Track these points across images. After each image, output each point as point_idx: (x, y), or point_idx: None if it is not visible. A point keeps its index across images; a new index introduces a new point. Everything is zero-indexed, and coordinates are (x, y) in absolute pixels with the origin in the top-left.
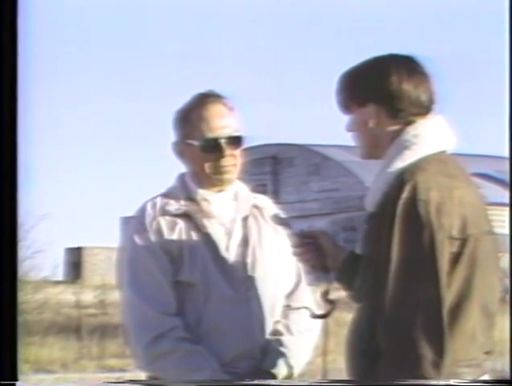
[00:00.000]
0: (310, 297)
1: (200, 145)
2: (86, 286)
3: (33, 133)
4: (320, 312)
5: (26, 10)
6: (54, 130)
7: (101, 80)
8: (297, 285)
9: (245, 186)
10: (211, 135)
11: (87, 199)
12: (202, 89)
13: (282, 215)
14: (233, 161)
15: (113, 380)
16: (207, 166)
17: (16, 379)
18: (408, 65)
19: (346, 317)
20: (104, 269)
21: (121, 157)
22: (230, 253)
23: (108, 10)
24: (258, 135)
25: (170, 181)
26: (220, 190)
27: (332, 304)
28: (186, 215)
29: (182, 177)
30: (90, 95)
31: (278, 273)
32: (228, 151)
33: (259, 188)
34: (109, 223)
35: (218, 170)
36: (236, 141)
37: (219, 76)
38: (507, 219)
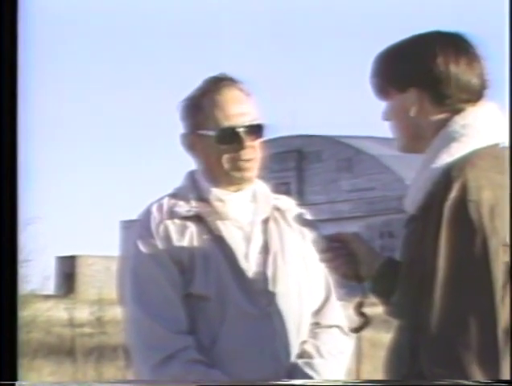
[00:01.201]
0: (341, 314)
1: (215, 136)
2: (81, 301)
3: (28, 133)
4: (352, 326)
5: (27, 10)
6: (49, 130)
7: (101, 81)
8: (326, 300)
9: (265, 185)
10: (228, 124)
11: (82, 201)
12: (213, 74)
13: (308, 216)
14: (254, 154)
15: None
16: (224, 160)
17: (16, 379)
18: (457, 44)
19: (383, 337)
20: (101, 281)
21: (121, 156)
22: (249, 262)
23: (108, 10)
24: (279, 125)
25: (177, 181)
26: (236, 190)
27: (366, 318)
28: (198, 218)
29: (192, 174)
30: (90, 95)
31: (304, 286)
32: (248, 142)
33: (281, 187)
34: (107, 228)
35: (237, 165)
36: (256, 130)
37: (231, 59)
38: None
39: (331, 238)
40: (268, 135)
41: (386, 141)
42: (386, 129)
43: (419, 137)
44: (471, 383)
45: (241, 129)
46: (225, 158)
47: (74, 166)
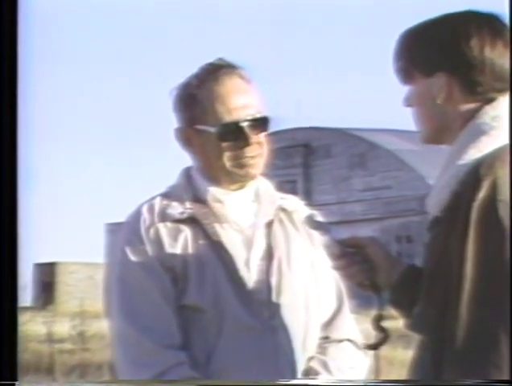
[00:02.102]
0: (354, 327)
1: (216, 133)
2: (61, 314)
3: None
4: (369, 342)
5: (27, 10)
6: (36, 131)
7: (100, 82)
8: (338, 311)
9: (269, 183)
10: (230, 118)
11: (63, 201)
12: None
13: (319, 217)
14: (259, 150)
15: None
16: (226, 158)
17: (16, 379)
18: (493, 25)
19: (402, 354)
20: (84, 292)
21: (109, 153)
22: (250, 270)
23: (108, 10)
24: (283, 116)
25: (170, 180)
26: (237, 188)
27: (385, 333)
28: (193, 221)
29: (187, 172)
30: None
31: (313, 296)
32: (253, 138)
33: (286, 186)
34: (91, 232)
35: (242, 163)
36: (261, 123)
37: (230, 43)
38: None
39: (345, 242)
40: (272, 128)
41: (405, 134)
42: (404, 121)
43: (444, 128)
44: (471, 383)
45: (245, 124)
46: (228, 155)
47: (55, 164)
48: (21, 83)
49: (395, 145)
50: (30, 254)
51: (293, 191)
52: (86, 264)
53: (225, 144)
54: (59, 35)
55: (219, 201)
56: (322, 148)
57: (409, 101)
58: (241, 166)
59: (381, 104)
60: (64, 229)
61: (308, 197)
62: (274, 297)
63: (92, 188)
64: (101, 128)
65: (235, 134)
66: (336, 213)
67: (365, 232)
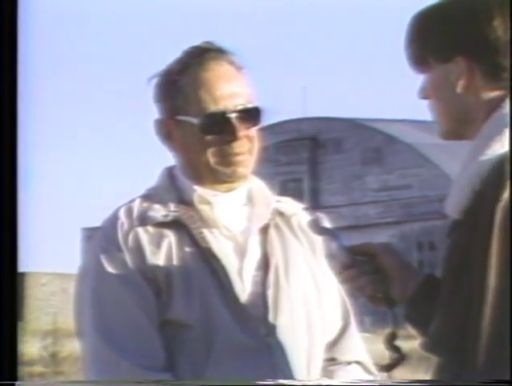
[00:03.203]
0: (362, 347)
1: (199, 124)
2: (30, 332)
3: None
4: (382, 363)
5: (27, 11)
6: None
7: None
8: (344, 329)
9: (263, 184)
10: (216, 108)
11: (34, 203)
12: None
13: (325, 222)
14: (249, 145)
15: None
16: (211, 154)
17: (16, 379)
18: None
19: (419, 378)
20: (57, 307)
21: (89, 152)
22: (244, 281)
23: (108, 10)
24: (287, 106)
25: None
26: (227, 190)
27: (400, 353)
28: (177, 225)
29: (170, 171)
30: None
31: (315, 311)
32: (241, 131)
33: (290, 185)
34: (64, 238)
35: (228, 160)
36: (251, 116)
37: (221, 26)
38: None
39: (354, 250)
40: (272, 119)
41: (426, 125)
42: (425, 111)
43: (465, 120)
44: (471, 383)
45: (232, 115)
46: (212, 150)
47: (29, 164)
48: (21, 83)
49: (416, 139)
50: (30, 253)
51: (298, 191)
52: (59, 274)
53: (209, 137)
54: (60, 35)
55: (207, 203)
56: (331, 141)
57: (424, 92)
58: (228, 163)
59: (399, 91)
60: (34, 235)
61: (316, 197)
62: (271, 313)
63: (70, 187)
64: (97, 130)
65: (221, 126)
66: (348, 216)
67: (380, 238)
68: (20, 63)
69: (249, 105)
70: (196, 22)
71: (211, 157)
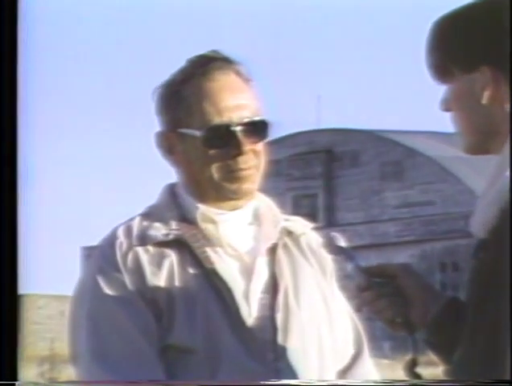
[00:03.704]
0: (376, 376)
1: (202, 137)
2: (27, 358)
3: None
4: None
5: (27, 11)
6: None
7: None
8: (357, 356)
9: (271, 202)
10: (220, 121)
11: (32, 218)
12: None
13: (339, 239)
14: (255, 160)
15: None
16: (214, 169)
17: (16, 379)
18: None
19: None
20: (54, 331)
21: (96, 165)
22: (250, 304)
23: (108, 11)
24: (300, 117)
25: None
26: (232, 208)
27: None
28: (180, 244)
29: (172, 188)
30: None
31: (326, 337)
32: (247, 145)
33: (304, 201)
34: (63, 258)
35: (232, 176)
36: (258, 129)
37: (228, 32)
38: None
39: (371, 271)
40: (283, 131)
41: (449, 137)
42: (447, 123)
43: (490, 133)
44: (471, 383)
45: (237, 128)
46: (216, 166)
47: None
48: (21, 82)
49: (438, 151)
50: (29, 254)
51: (312, 207)
52: (57, 296)
53: (212, 151)
54: (60, 34)
55: (211, 221)
56: (348, 154)
57: (447, 104)
58: (232, 179)
59: (420, 101)
60: (31, 254)
61: (331, 214)
62: (280, 338)
63: (68, 205)
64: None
65: (225, 140)
66: (365, 235)
67: (400, 258)
68: (20, 62)
69: (256, 118)
70: (202, 28)
71: (215, 172)
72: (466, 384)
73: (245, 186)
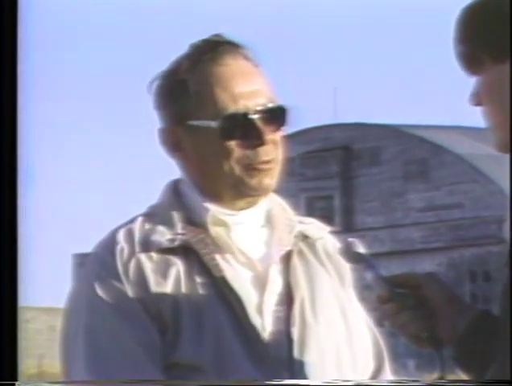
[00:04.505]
0: None
1: (220, 127)
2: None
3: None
4: None
5: (27, 11)
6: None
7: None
8: (377, 372)
9: (284, 203)
10: (236, 108)
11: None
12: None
13: (358, 245)
14: (275, 152)
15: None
16: (235, 162)
17: (16, 379)
18: None
19: None
20: (43, 347)
21: (92, 166)
22: (264, 317)
23: (108, 11)
24: (314, 110)
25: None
26: (247, 206)
27: None
28: (186, 251)
29: (176, 186)
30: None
31: (345, 352)
32: (267, 135)
33: (319, 203)
34: (52, 266)
35: (252, 170)
36: (276, 117)
37: (236, 18)
38: None
39: (393, 281)
40: (298, 125)
41: (480, 133)
42: (478, 117)
43: None
44: (471, 383)
45: (255, 116)
46: (237, 157)
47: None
48: (21, 82)
49: (467, 149)
50: (29, 254)
51: (327, 210)
52: (46, 309)
53: (230, 143)
54: (60, 34)
55: (221, 224)
56: (367, 152)
57: (478, 97)
58: (252, 173)
59: (447, 93)
60: (19, 262)
61: (348, 218)
62: (296, 354)
63: (61, 209)
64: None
65: (244, 130)
66: (386, 241)
67: (425, 266)
68: (20, 62)
69: (273, 105)
70: (199, 22)
71: (235, 165)
72: (466, 384)
73: (266, 180)
